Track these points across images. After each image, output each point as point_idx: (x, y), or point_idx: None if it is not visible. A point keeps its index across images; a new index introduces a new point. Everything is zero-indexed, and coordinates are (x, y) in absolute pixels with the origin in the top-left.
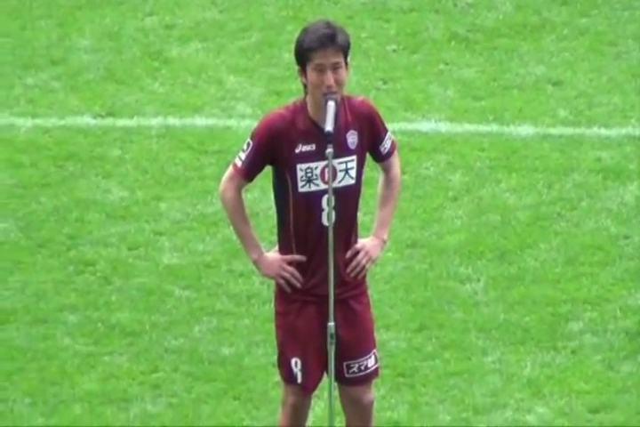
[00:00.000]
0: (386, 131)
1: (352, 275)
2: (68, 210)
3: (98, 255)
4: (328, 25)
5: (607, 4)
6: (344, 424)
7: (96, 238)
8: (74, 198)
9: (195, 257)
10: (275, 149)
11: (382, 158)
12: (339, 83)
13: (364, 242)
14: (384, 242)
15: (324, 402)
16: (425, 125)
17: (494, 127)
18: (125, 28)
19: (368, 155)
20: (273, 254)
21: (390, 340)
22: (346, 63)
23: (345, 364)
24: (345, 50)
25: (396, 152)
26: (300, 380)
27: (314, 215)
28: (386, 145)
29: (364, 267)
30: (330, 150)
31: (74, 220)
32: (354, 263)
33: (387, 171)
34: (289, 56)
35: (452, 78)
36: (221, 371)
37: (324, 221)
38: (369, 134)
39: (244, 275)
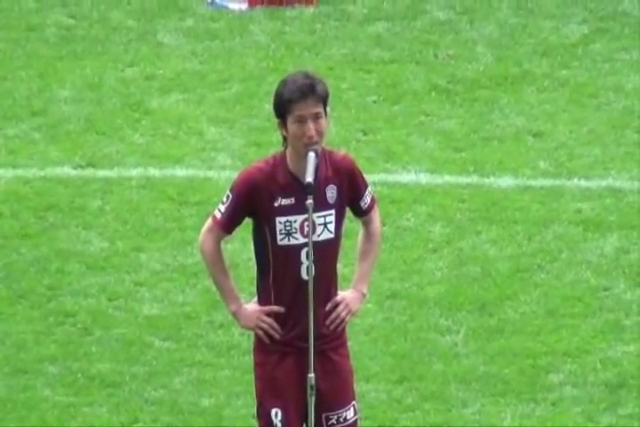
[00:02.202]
0: (366, 186)
1: (331, 327)
2: (49, 261)
3: (78, 306)
4: (307, 75)
5: (587, 55)
6: None
7: (76, 289)
8: (54, 249)
9: (175, 308)
10: (254, 202)
11: (362, 214)
12: (320, 133)
13: (344, 295)
14: (364, 295)
15: None
16: (405, 177)
17: (474, 179)
18: (106, 78)
19: (348, 209)
20: (252, 306)
21: (370, 391)
22: (325, 113)
23: (324, 415)
24: (324, 99)
25: (375, 207)
26: None
27: (293, 269)
28: (366, 200)
29: (343, 319)
30: (310, 201)
31: (54, 271)
32: (333, 316)
33: (366, 225)
34: (269, 107)
35: (433, 129)
36: (201, 422)
37: (304, 275)
38: (349, 190)
39: (224, 326)
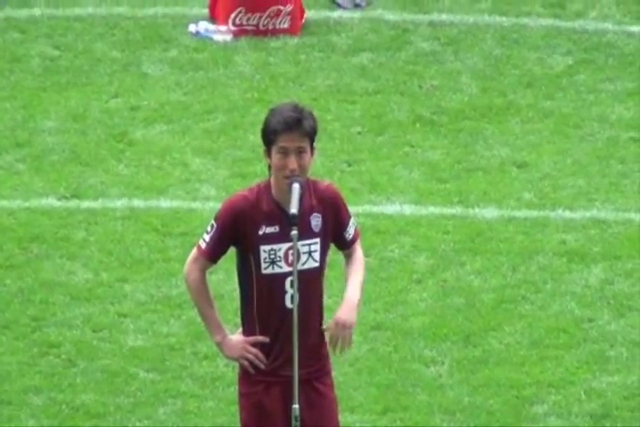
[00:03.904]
0: (349, 217)
1: (339, 353)
2: (33, 292)
3: (62, 337)
4: (296, 108)
5: (572, 86)
6: None
7: (60, 320)
8: (38, 280)
9: (159, 339)
10: (238, 231)
11: (346, 246)
12: (302, 167)
13: (336, 316)
14: (355, 304)
15: None
16: (389, 208)
17: (459, 210)
18: (90, 109)
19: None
20: (236, 337)
21: (355, 422)
22: (312, 148)
23: None
24: (311, 135)
25: (359, 240)
26: None
27: (277, 297)
28: (350, 231)
29: (346, 339)
30: (294, 233)
31: (38, 301)
32: (338, 345)
33: (350, 255)
34: (254, 138)
35: (417, 160)
36: None
37: (288, 304)
38: (333, 219)
39: (209, 357)
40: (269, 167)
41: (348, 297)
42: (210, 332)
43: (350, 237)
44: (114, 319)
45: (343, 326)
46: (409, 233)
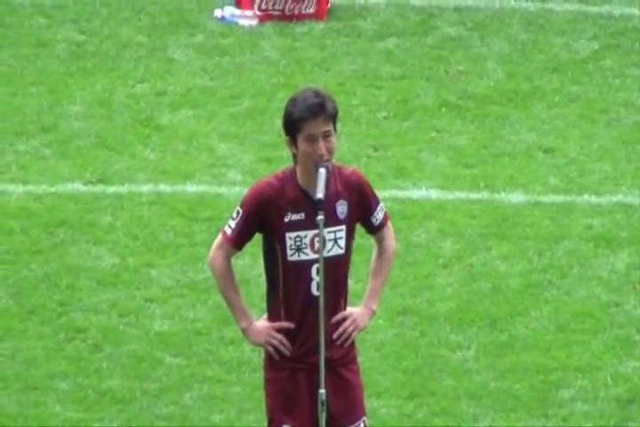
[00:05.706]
0: (377, 202)
1: (338, 342)
2: (59, 277)
3: (88, 322)
4: (317, 94)
5: (598, 71)
6: None
7: (87, 305)
8: (64, 265)
9: (185, 324)
10: (264, 218)
11: (375, 230)
12: (330, 151)
13: (353, 310)
14: (373, 312)
15: None
16: (416, 193)
17: (485, 195)
18: (116, 94)
19: (360, 226)
20: (262, 322)
21: (381, 407)
22: (335, 130)
23: None
24: (334, 117)
25: (389, 223)
26: None
27: (303, 284)
28: (378, 216)
29: (350, 335)
30: (321, 217)
31: (64, 286)
32: (340, 330)
33: (380, 242)
34: (280, 123)
35: (443, 145)
36: None
37: (314, 291)
38: (359, 205)
39: (235, 342)
40: (294, 156)
41: (367, 304)
42: (235, 318)
43: (378, 221)
44: (140, 304)
45: (354, 322)
46: (435, 218)
